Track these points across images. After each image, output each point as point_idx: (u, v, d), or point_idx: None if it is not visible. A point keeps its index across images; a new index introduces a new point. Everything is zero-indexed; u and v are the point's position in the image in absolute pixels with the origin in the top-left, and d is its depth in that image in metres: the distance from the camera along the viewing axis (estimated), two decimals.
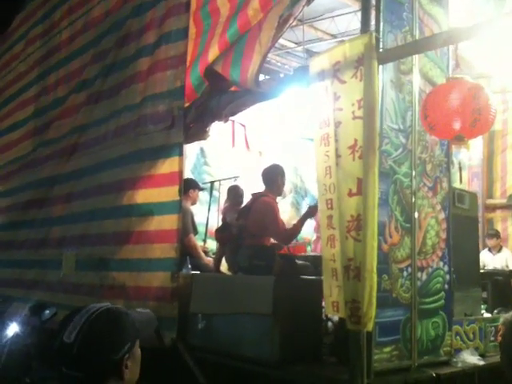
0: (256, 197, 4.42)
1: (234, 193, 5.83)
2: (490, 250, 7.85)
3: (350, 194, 3.07)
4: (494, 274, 6.87)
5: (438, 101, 3.02)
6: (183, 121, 4.33)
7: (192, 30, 4.53)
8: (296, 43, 8.95)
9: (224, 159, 8.00)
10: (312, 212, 4.30)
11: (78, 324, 1.46)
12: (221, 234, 4.63)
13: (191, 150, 7.39)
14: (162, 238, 4.30)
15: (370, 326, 2.98)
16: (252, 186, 6.87)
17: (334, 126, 3.18)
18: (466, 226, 4.32)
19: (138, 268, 4.33)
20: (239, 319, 3.69)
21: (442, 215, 3.83)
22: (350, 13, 7.64)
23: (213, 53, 4.16)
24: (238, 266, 4.17)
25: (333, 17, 8.06)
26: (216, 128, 4.83)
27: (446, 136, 3.14)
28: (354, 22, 7.49)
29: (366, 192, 2.98)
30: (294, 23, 8.02)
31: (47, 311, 3.83)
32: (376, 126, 3.00)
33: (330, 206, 3.31)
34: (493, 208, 9.15)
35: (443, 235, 3.82)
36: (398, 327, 3.42)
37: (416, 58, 3.66)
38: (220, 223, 5.52)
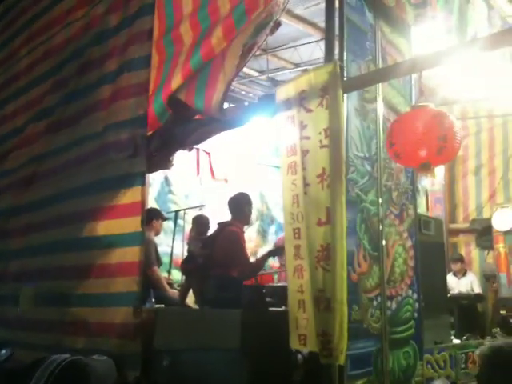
0: (222, 226, 4.33)
1: (199, 222, 5.74)
2: (454, 274, 7.93)
3: (320, 223, 3.02)
4: (460, 298, 6.93)
5: (403, 129, 3.02)
6: (146, 149, 4.23)
7: (155, 58, 4.46)
8: (260, 72, 9.00)
9: (189, 187, 7.92)
10: (277, 252, 4.24)
11: (42, 378, 1.34)
12: (186, 265, 4.50)
13: (156, 178, 7.28)
14: (124, 271, 4.14)
15: (341, 359, 2.91)
16: (218, 214, 6.81)
17: (302, 155, 3.15)
18: (432, 252, 4.32)
19: (100, 303, 4.15)
20: (206, 355, 3.55)
21: (409, 242, 3.81)
22: (312, 42, 7.75)
23: (176, 81, 4.11)
24: (205, 298, 4.05)
25: (296, 46, 8.16)
26: (181, 156, 4.74)
27: (412, 164, 3.13)
28: (316, 51, 7.60)
29: (335, 221, 2.94)
30: (258, 52, 8.10)
31: (3, 351, 3.63)
32: (342, 154, 2.97)
33: (297, 235, 3.26)
34: (456, 232, 9.29)
35: (411, 263, 3.80)
36: (369, 359, 3.35)
37: (379, 86, 3.68)
38: (185, 254, 5.40)
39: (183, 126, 4.13)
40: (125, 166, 4.36)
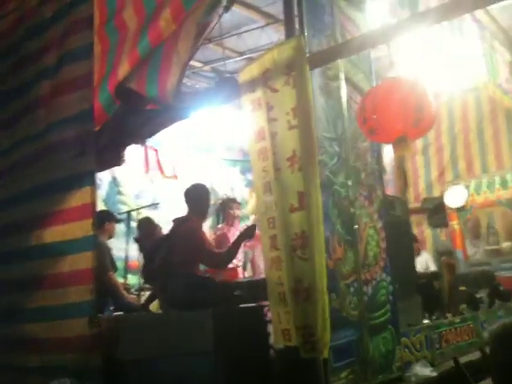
0: (178, 223, 4.07)
1: (145, 225, 5.43)
2: None
3: (292, 210, 2.84)
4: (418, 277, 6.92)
5: (377, 102, 2.87)
6: (94, 146, 3.92)
7: (97, 48, 4.15)
8: (203, 63, 8.73)
9: (139, 187, 7.58)
10: (249, 232, 4.00)
11: None
12: (144, 270, 4.21)
13: (103, 179, 6.91)
14: (76, 279, 3.83)
15: (326, 353, 2.74)
16: (172, 212, 6.53)
17: (271, 138, 2.95)
18: (399, 232, 4.23)
19: (53, 316, 3.82)
20: (177, 361, 3.29)
21: (379, 224, 3.69)
22: (257, 28, 7.53)
23: (123, 69, 3.81)
24: (169, 301, 3.78)
25: (240, 33, 7.92)
26: (128, 154, 4.45)
27: (388, 139, 2.98)
28: (262, 37, 7.39)
29: (309, 206, 2.76)
30: (200, 42, 7.84)
31: None
32: (313, 134, 2.81)
33: (272, 224, 3.06)
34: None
35: (383, 244, 3.69)
36: (351, 349, 3.20)
37: (341, 63, 3.53)
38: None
39: (134, 118, 3.84)
40: (72, 166, 4.04)
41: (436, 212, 8.22)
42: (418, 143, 9.39)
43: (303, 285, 2.76)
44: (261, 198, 3.12)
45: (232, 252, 3.98)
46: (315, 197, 2.76)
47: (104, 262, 4.70)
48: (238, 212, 6.08)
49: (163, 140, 7.95)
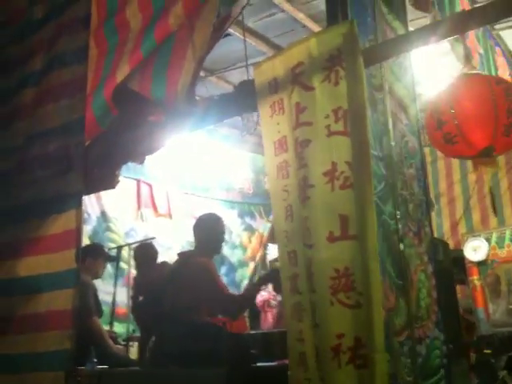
0: (184, 257, 3.35)
1: (144, 254, 4.66)
2: None
3: (332, 239, 2.15)
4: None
5: (457, 103, 2.23)
6: (83, 162, 3.26)
7: (93, 51, 3.56)
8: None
9: (129, 224, 6.88)
10: (271, 275, 3.28)
11: None
12: (139, 312, 3.45)
13: (91, 213, 6.22)
14: (52, 322, 3.11)
15: None
16: (165, 252, 5.87)
17: (297, 149, 2.32)
18: (443, 282, 3.53)
19: (21, 368, 3.07)
20: None
21: (430, 268, 3.00)
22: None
23: (122, 73, 3.22)
24: (168, 354, 3.01)
25: (244, 66, 7.40)
26: (118, 189, 3.79)
27: (469, 151, 2.34)
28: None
29: (363, 234, 2.09)
30: (202, 74, 7.30)
31: None
32: (368, 142, 2.16)
33: (293, 260, 2.38)
34: None
35: (434, 294, 2.99)
36: None
37: (385, 72, 2.95)
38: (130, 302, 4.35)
39: (133, 130, 3.20)
40: (54, 185, 3.36)
41: (454, 266, 7.55)
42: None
43: (347, 342, 2.05)
44: (281, 225, 2.46)
45: (249, 297, 3.26)
46: (371, 222, 2.09)
47: (87, 303, 3.98)
48: None
49: (158, 175, 7.38)
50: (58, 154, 3.40)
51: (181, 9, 3.08)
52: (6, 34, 4.26)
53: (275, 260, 5.05)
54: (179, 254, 3.48)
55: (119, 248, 5.42)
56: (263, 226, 9.22)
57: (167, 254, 5.92)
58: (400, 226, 2.74)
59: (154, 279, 3.70)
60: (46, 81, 3.70)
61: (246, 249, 9.08)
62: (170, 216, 7.57)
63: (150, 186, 7.35)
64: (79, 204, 3.22)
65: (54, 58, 3.69)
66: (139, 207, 7.08)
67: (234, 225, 8.62)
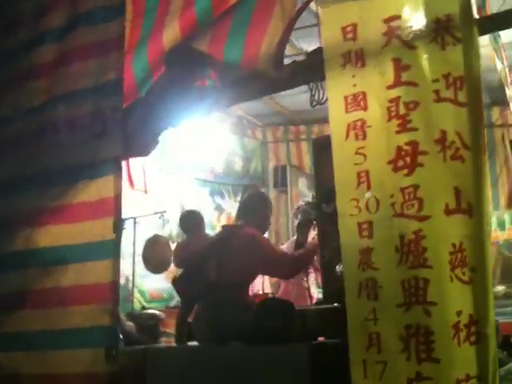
0: (231, 229, 3.19)
1: (191, 216, 4.43)
2: None
3: (448, 212, 2.10)
4: None
5: None
6: (121, 127, 3.05)
7: (128, 8, 3.32)
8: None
9: None
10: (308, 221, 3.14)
11: None
12: (183, 284, 3.26)
13: None
14: (88, 296, 2.90)
15: None
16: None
17: (404, 109, 2.21)
18: None
19: (56, 345, 2.85)
20: None
21: None
22: None
23: (171, 32, 3.00)
24: (222, 331, 2.86)
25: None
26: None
27: None
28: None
29: (479, 209, 2.05)
30: None
31: None
32: (482, 113, 2.12)
33: (366, 232, 2.30)
34: None
35: None
36: None
37: None
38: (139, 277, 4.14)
39: (180, 96, 3.01)
40: (86, 150, 3.12)
41: None
42: None
43: (465, 319, 2.02)
44: (348, 193, 2.30)
45: (309, 255, 3.11)
46: (483, 197, 2.06)
47: None
48: None
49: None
50: (89, 117, 3.15)
51: None
52: None
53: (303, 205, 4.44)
54: (223, 226, 3.32)
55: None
56: (231, 206, 9.15)
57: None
58: None
59: (197, 249, 3.50)
60: (70, 39, 3.41)
61: (214, 228, 8.98)
62: (146, 191, 7.36)
63: (127, 160, 7.08)
64: (117, 170, 3.01)
65: (82, 15, 3.41)
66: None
67: (205, 204, 8.51)
